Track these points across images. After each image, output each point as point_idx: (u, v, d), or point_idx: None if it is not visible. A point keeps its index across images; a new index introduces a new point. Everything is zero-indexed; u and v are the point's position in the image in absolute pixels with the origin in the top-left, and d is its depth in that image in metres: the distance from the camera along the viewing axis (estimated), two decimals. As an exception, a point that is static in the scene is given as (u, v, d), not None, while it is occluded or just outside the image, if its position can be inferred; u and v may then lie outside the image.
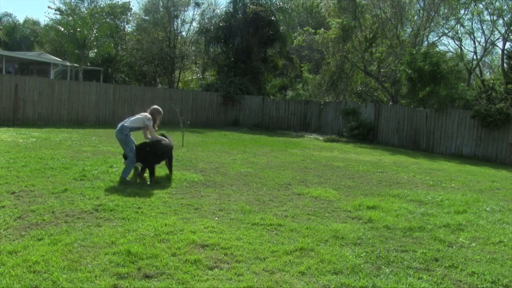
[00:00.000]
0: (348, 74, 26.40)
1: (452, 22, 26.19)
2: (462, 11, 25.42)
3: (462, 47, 28.25)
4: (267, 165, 10.73)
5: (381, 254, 4.84)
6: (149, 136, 8.05)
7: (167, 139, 8.47)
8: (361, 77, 26.89)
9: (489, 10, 24.87)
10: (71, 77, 29.02)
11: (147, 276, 3.97)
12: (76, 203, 6.09)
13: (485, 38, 26.61)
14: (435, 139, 18.77)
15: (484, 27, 26.30)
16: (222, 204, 6.63)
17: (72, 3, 34.69)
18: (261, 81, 28.47)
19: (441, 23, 25.69)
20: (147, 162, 7.95)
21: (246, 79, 26.16)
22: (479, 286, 4.24)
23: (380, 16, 23.73)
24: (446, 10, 24.57)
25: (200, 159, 10.87)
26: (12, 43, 38.96)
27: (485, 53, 27.78)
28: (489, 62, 32.32)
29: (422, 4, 24.60)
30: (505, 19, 24.63)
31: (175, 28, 36.68)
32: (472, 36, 27.53)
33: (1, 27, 41.60)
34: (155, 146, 8.05)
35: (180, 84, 35.95)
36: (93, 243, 4.65)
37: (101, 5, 37.33)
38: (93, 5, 37.25)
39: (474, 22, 27.27)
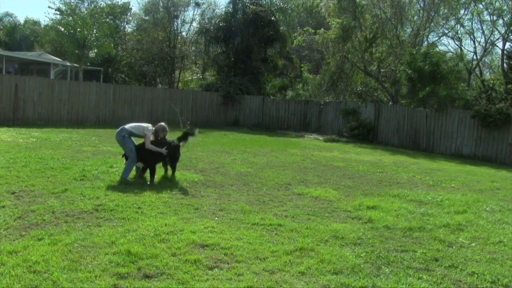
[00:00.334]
0: (348, 74, 26.40)
1: (452, 22, 26.21)
2: (462, 11, 25.44)
3: (462, 47, 28.28)
4: (267, 165, 10.73)
5: (381, 254, 4.84)
6: (149, 146, 7.95)
7: (173, 143, 8.37)
8: (361, 77, 26.89)
9: (489, 10, 24.87)
10: (71, 77, 29.01)
11: (147, 276, 3.98)
12: (76, 203, 6.09)
13: (485, 38, 26.63)
14: (435, 139, 18.77)
15: (484, 27, 26.32)
16: (222, 204, 6.64)
17: (72, 3, 34.72)
18: (261, 81, 28.48)
19: (441, 23, 25.69)
20: (147, 162, 7.96)
21: (246, 79, 26.17)
22: (479, 286, 4.24)
23: (380, 16, 23.73)
24: (446, 10, 24.58)
25: (200, 159, 10.87)
26: (12, 43, 38.94)
27: (485, 53, 27.77)
28: (489, 62, 32.32)
29: (422, 4, 24.61)
30: (505, 19, 24.64)
31: (175, 28, 36.71)
32: (472, 36, 27.55)
33: (2, 27, 41.60)
34: (158, 143, 8.07)
35: (180, 84, 35.96)
36: (93, 243, 4.65)
37: (101, 5, 37.40)
38: (93, 5, 37.29)
39: (474, 22, 27.28)
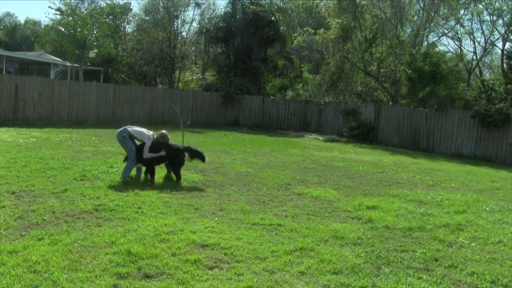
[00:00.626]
0: (348, 74, 26.39)
1: (452, 22, 26.21)
2: (462, 11, 25.43)
3: (462, 47, 28.26)
4: (267, 165, 10.73)
5: (381, 254, 4.85)
6: (148, 154, 7.90)
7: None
8: (361, 77, 26.89)
9: (489, 10, 24.87)
10: (71, 77, 29.02)
11: (147, 276, 3.98)
12: (76, 203, 6.10)
13: (484, 38, 26.62)
14: (435, 139, 18.78)
15: (484, 28, 26.31)
16: (222, 204, 6.64)
17: (72, 4, 34.75)
18: (261, 81, 28.49)
19: (441, 23, 25.70)
20: (148, 163, 7.96)
21: (246, 79, 26.17)
22: (479, 286, 4.24)
23: (380, 16, 23.73)
24: (446, 10, 24.57)
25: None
26: (12, 43, 38.96)
27: (485, 53, 27.76)
28: (488, 62, 32.31)
29: (422, 5, 24.61)
30: (505, 19, 24.63)
31: (175, 28, 36.73)
32: (472, 36, 27.59)
33: (2, 27, 41.62)
34: (156, 147, 8.05)
35: (180, 84, 35.97)
36: (93, 243, 4.66)
37: (101, 6, 37.42)
38: (93, 5, 37.30)
39: (474, 22, 27.21)
